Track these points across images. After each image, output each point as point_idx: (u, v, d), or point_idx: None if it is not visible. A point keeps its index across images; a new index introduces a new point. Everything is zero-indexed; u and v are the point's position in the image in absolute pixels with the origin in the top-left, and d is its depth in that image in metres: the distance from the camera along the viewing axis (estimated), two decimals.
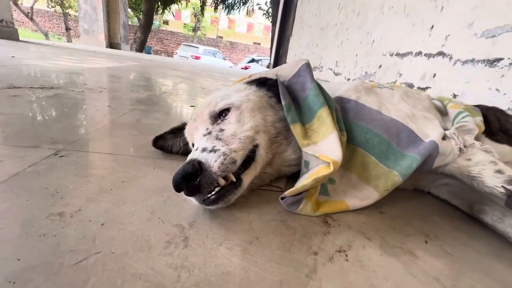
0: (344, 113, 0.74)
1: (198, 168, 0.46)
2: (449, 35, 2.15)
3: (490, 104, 1.63)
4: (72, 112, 1.05)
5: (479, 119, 1.01)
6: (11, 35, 4.79)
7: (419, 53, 2.42)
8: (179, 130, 0.75)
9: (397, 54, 2.73)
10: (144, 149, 0.78)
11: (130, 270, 0.35)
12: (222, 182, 0.49)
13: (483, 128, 0.98)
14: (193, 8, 21.49)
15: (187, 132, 0.67)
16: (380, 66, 3.04)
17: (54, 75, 1.90)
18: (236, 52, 22.90)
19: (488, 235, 0.59)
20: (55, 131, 0.81)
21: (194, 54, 11.73)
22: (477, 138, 0.98)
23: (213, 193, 0.48)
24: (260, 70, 4.29)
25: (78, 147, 0.71)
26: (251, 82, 0.72)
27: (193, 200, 0.49)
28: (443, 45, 2.18)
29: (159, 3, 10.75)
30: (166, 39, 22.13)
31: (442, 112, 0.91)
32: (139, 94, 1.63)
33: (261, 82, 0.71)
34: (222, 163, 0.48)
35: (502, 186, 0.56)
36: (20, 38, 5.17)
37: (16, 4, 15.53)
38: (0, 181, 0.51)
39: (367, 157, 0.69)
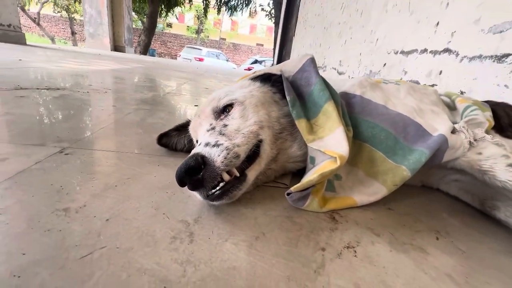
0: (349, 109, 0.73)
1: (201, 162, 0.45)
2: (455, 32, 2.12)
3: (499, 101, 1.60)
4: (77, 112, 1.06)
5: (489, 114, 0.99)
6: (19, 39, 4.88)
7: (425, 50, 2.39)
8: (183, 128, 0.75)
9: (402, 52, 2.70)
10: (148, 147, 0.78)
11: (135, 265, 0.35)
12: (226, 177, 0.48)
13: (492, 123, 0.96)
14: (196, 10, 21.66)
15: (191, 129, 0.67)
16: (385, 65, 3.01)
17: (60, 77, 1.92)
18: (239, 54, 22.98)
19: (501, 231, 0.57)
20: (60, 130, 0.82)
21: (197, 56, 11.79)
22: (486, 133, 0.97)
23: (217, 188, 0.48)
24: None
25: (83, 145, 0.72)
26: (255, 78, 0.71)
27: (197, 195, 0.48)
28: (449, 41, 2.15)
29: (163, 6, 10.85)
30: (170, 42, 22.33)
31: (451, 107, 0.89)
32: (143, 95, 1.64)
33: (265, 78, 0.71)
34: (225, 157, 0.48)
35: None
36: (27, 43, 5.26)
37: (23, 10, 15.88)
38: (7, 178, 0.51)
39: (374, 152, 0.67)
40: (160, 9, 11.14)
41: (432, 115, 0.73)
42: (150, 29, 10.39)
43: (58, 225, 0.40)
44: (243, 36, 27.61)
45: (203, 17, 20.99)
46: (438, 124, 0.67)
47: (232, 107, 0.61)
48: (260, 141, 0.58)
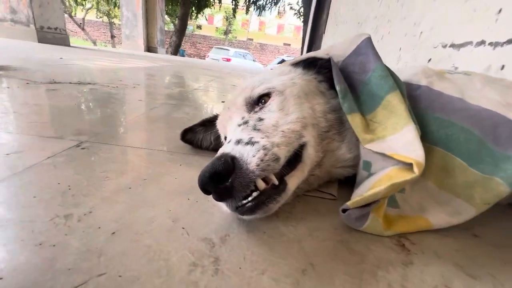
0: (413, 103, 0.57)
1: (231, 164, 0.35)
2: None
3: None
4: (103, 106, 1.02)
5: None
6: (64, 41, 5.27)
7: (482, 42, 2.07)
8: (210, 122, 0.65)
9: (452, 45, 2.38)
10: (172, 143, 0.70)
11: None
12: (261, 184, 0.37)
13: None
14: (225, 11, 21.99)
15: (219, 123, 0.57)
16: (430, 60, 2.69)
17: (93, 73, 1.97)
18: (266, 54, 22.91)
19: None
20: (83, 123, 0.77)
21: (225, 57, 11.92)
22: None
23: (249, 198, 0.37)
24: None
25: (102, 140, 0.65)
26: (296, 64, 0.59)
27: (223, 207, 0.38)
28: None
29: (193, 8, 11.13)
30: (199, 43, 22.96)
31: None
32: (170, 90, 1.60)
33: (309, 63, 0.58)
34: (262, 160, 0.36)
35: None
36: (71, 44, 5.67)
37: (71, 16, 17.39)
38: (13, 173, 0.45)
39: (450, 159, 0.52)
40: (190, 11, 11.46)
41: None
42: (181, 31, 10.72)
43: (54, 238, 0.32)
44: (270, 36, 27.48)
45: (231, 18, 21.27)
46: None
47: (269, 98, 0.50)
48: (303, 144, 0.46)
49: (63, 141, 0.61)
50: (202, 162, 0.60)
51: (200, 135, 0.67)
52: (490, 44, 2.12)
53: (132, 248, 0.32)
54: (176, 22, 10.51)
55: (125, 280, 0.27)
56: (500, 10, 2.07)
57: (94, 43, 18.44)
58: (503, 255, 0.41)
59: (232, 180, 0.34)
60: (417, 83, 0.60)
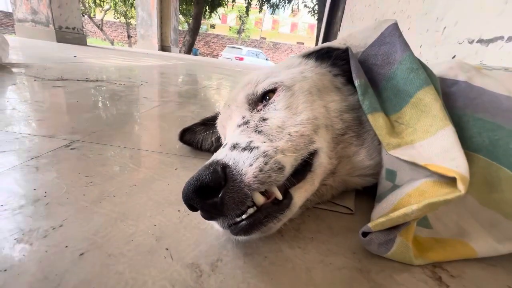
0: (448, 101, 0.49)
1: (221, 176, 0.28)
2: None
3: None
4: (105, 103, 0.99)
5: None
6: (81, 40, 5.41)
7: None
8: (211, 122, 0.59)
9: (480, 41, 2.20)
10: (170, 144, 0.64)
11: None
12: (259, 199, 0.30)
13: None
14: (238, 10, 21.97)
15: (218, 123, 0.50)
16: (454, 57, 2.52)
17: (103, 71, 1.97)
18: (278, 53, 22.72)
19: None
20: (79, 120, 0.73)
21: (237, 56, 11.90)
22: None
23: (244, 216, 0.30)
24: None
25: (95, 139, 0.60)
26: (309, 55, 0.51)
27: (215, 224, 0.31)
28: None
29: (207, 7, 11.18)
30: (212, 42, 23.10)
31: None
32: (178, 88, 1.56)
33: (323, 54, 0.50)
34: (261, 170, 0.29)
35: None
36: (88, 44, 5.81)
37: (90, 17, 17.97)
38: None
39: (495, 169, 0.43)
40: (204, 10, 11.52)
41: None
42: (194, 30, 10.79)
43: (8, 261, 0.26)
44: (283, 35, 27.21)
45: (245, 17, 21.23)
46: None
47: (275, 94, 0.43)
48: (314, 151, 0.39)
49: (54, 140, 0.57)
50: (200, 166, 0.54)
51: (200, 135, 0.60)
52: None
53: (100, 275, 0.26)
54: (190, 21, 10.59)
55: None
56: None
57: (112, 43, 18.98)
58: None
59: (222, 195, 0.27)
60: (454, 78, 0.51)
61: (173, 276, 0.27)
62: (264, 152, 0.31)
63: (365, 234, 0.32)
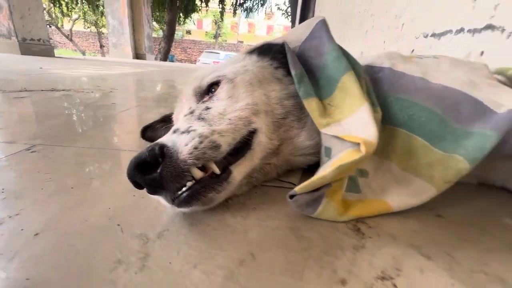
0: (376, 86, 0.56)
1: (158, 153, 0.32)
2: (498, 4, 1.81)
3: None
4: (70, 110, 0.99)
5: None
6: (48, 52, 5.20)
7: (461, 30, 2.09)
8: (170, 118, 0.63)
9: (433, 35, 2.40)
10: (134, 143, 0.67)
11: None
12: (198, 174, 0.35)
13: None
14: (214, 15, 22.01)
15: (174, 117, 0.55)
16: (413, 51, 2.71)
17: (71, 80, 1.93)
18: None
19: None
20: (42, 127, 0.74)
21: (215, 60, 11.92)
22: None
23: (184, 189, 0.34)
24: None
25: (57, 142, 0.62)
26: (252, 52, 0.57)
27: (162, 201, 0.35)
28: (492, 16, 1.84)
29: (181, 13, 11.12)
30: (189, 48, 22.92)
31: (508, 85, 0.68)
32: (149, 93, 1.57)
33: (264, 50, 0.56)
34: (195, 148, 0.34)
35: None
36: (56, 55, 5.59)
37: (58, 28, 17.21)
38: None
39: (412, 140, 0.50)
40: (178, 16, 11.44)
41: (491, 88, 0.54)
42: (169, 36, 10.68)
43: None
44: (260, 37, 27.61)
45: (220, 21, 21.31)
46: (502, 98, 0.48)
47: (219, 86, 0.48)
48: (254, 130, 0.44)
49: (15, 145, 0.58)
50: None
51: (161, 131, 0.64)
52: (469, 31, 2.13)
53: (53, 249, 0.29)
54: (164, 28, 10.48)
55: (32, 283, 0.25)
56: None
57: (83, 53, 18.31)
58: (464, 234, 0.39)
59: (160, 170, 0.32)
60: (380, 65, 0.59)
61: (121, 245, 0.31)
62: (200, 134, 0.36)
63: (292, 196, 0.38)
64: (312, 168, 0.54)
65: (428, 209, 0.45)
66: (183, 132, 0.36)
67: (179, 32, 24.67)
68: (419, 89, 0.53)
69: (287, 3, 11.29)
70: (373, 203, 0.43)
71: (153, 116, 0.99)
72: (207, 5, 10.64)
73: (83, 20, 17.85)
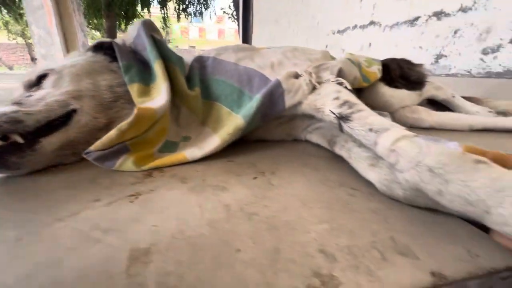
0: (203, 71, 0.71)
1: None
2: (375, 4, 2.20)
3: (414, 61, 1.65)
4: None
5: (376, 67, 1.01)
6: None
7: (355, 26, 2.47)
8: None
9: (338, 31, 2.78)
10: None
11: None
12: None
13: (378, 75, 0.98)
14: (160, 21, 21.36)
15: None
16: (327, 46, 3.08)
17: None
18: None
19: (337, 167, 0.57)
20: None
21: None
22: (373, 85, 0.98)
23: None
24: None
25: None
26: (88, 49, 0.68)
27: None
28: (373, 14, 2.23)
29: (121, 20, 10.61)
30: None
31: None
32: None
33: (98, 47, 0.67)
34: None
35: (330, 111, 0.54)
36: None
37: None
38: None
39: (221, 109, 0.66)
40: (118, 23, 10.90)
41: (290, 67, 0.73)
42: None
43: None
44: (212, 41, 27.57)
45: (167, 27, 20.77)
46: (281, 72, 0.66)
47: (46, 78, 0.58)
48: (74, 110, 0.54)
49: None
50: None
51: None
52: (360, 27, 2.51)
53: None
54: (104, 36, 9.88)
55: None
56: None
57: (11, 68, 16.24)
58: (235, 167, 0.55)
59: None
60: (208, 55, 0.74)
61: None
62: (3, 112, 0.45)
63: (87, 153, 0.49)
64: None
65: (225, 157, 0.60)
66: None
67: None
68: (228, 71, 0.69)
69: (232, 7, 11.52)
70: (174, 156, 0.56)
71: None
72: (149, 11, 10.33)
73: (5, 30, 15.87)
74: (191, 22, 10.04)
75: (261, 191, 0.44)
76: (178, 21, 10.10)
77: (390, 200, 0.42)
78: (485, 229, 0.33)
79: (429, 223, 0.36)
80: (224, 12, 12.83)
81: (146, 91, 0.62)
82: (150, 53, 0.62)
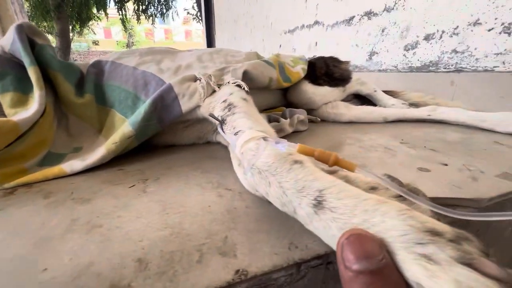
0: (100, 76, 0.68)
1: None
2: (318, 4, 2.28)
3: (352, 59, 1.74)
4: None
5: (300, 67, 1.03)
6: None
7: (303, 26, 2.55)
8: None
9: (289, 31, 2.85)
10: None
11: None
12: None
13: (302, 75, 1.01)
14: (122, 24, 20.32)
15: None
16: (280, 46, 3.15)
17: None
18: None
19: (230, 168, 0.57)
20: None
21: None
22: (297, 84, 1.00)
23: None
24: None
25: None
26: None
27: None
28: (316, 14, 2.31)
29: (74, 22, 9.90)
30: None
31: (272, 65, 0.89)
32: None
33: None
34: None
35: (210, 115, 0.54)
36: None
37: None
38: None
39: (116, 116, 0.63)
40: (72, 25, 10.17)
41: (199, 70, 0.72)
42: (64, 49, 9.37)
43: None
44: (179, 43, 26.85)
45: (130, 29, 19.84)
46: (177, 77, 0.65)
47: None
48: None
49: None
50: None
51: None
52: (307, 26, 2.58)
53: None
54: (56, 40, 9.16)
55: None
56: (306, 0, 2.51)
57: None
58: (122, 176, 0.52)
59: None
60: (106, 60, 0.70)
61: None
62: None
63: None
64: None
65: (116, 166, 0.57)
66: None
67: (83, 43, 21.89)
68: (123, 75, 0.66)
69: (196, 7, 11.31)
70: (51, 170, 0.53)
71: None
72: (105, 13, 9.77)
73: None
74: (152, 24, 9.68)
75: (127, 200, 0.43)
76: (138, 22, 9.67)
77: (254, 199, 0.42)
78: None
79: (274, 218, 0.37)
80: (188, 13, 12.58)
81: (23, 100, 0.57)
82: (23, 59, 0.57)
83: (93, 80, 0.66)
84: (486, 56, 1.10)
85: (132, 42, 22.49)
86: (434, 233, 0.18)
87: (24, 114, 0.50)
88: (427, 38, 1.35)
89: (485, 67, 1.10)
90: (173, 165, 0.58)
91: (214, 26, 7.36)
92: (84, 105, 0.61)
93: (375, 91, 1.20)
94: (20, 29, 0.60)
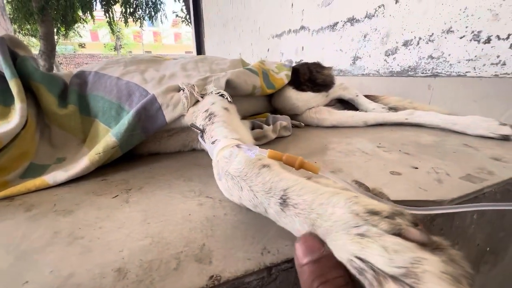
0: (83, 87, 0.68)
1: None
2: (304, 10, 2.33)
3: (336, 63, 1.79)
4: None
5: (284, 73, 1.06)
6: None
7: (289, 31, 2.59)
8: None
9: (277, 36, 2.89)
10: None
11: None
12: None
13: (285, 81, 1.03)
14: (110, 26, 20.02)
15: None
16: (268, 50, 3.19)
17: None
18: None
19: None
20: None
21: None
22: (282, 90, 1.03)
23: None
24: None
25: None
26: None
27: None
28: (302, 19, 2.36)
29: (59, 25, 9.68)
30: (86, 63, 20.16)
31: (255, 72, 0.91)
32: None
33: None
34: None
35: (191, 124, 0.56)
36: None
37: None
38: None
39: (99, 126, 0.64)
40: (57, 29, 9.94)
41: (183, 79, 0.73)
42: (48, 52, 9.13)
43: None
44: (169, 46, 26.64)
45: (118, 32, 19.56)
46: (162, 86, 0.66)
47: None
48: None
49: None
50: None
51: None
52: (293, 31, 2.63)
53: None
54: (40, 43, 8.93)
55: None
56: (292, 4, 2.58)
57: None
58: (104, 187, 0.53)
59: None
60: (90, 70, 0.71)
61: None
62: None
63: None
64: None
65: (101, 176, 0.58)
66: None
67: (69, 46, 21.42)
68: (107, 86, 0.67)
69: (184, 10, 11.28)
70: (33, 182, 0.53)
71: None
72: (92, 16, 9.60)
73: None
74: (140, 26, 9.58)
75: (109, 211, 0.44)
76: (125, 25, 9.55)
77: (233, 206, 0.44)
78: None
79: (250, 225, 0.39)
80: (177, 15, 12.51)
81: (5, 112, 0.57)
82: (4, 71, 0.58)
83: (77, 91, 0.66)
84: (459, 62, 1.16)
85: (120, 45, 22.16)
86: (373, 213, 0.22)
87: (5, 127, 0.51)
88: (406, 44, 1.41)
89: (458, 72, 1.17)
90: (157, 174, 0.60)
91: (203, 30, 7.36)
92: (68, 116, 0.62)
93: (357, 95, 1.24)
94: (1, 41, 0.61)
